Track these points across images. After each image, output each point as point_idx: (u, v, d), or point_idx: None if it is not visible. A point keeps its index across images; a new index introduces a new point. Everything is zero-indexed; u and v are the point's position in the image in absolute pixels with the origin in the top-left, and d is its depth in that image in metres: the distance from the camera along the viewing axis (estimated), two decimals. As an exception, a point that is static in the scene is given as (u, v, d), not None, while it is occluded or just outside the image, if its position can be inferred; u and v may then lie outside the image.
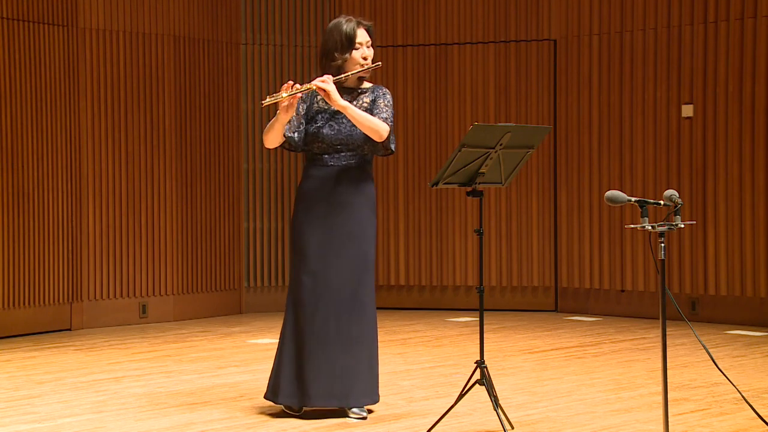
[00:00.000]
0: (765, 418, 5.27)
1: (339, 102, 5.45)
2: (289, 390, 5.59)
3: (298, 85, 5.48)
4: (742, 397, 5.36)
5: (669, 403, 4.82)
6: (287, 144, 5.61)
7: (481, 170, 5.29)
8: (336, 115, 5.60)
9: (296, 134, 5.59)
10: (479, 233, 5.34)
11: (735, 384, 5.53)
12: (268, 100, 5.42)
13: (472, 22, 10.33)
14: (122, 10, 9.46)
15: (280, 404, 5.65)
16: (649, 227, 4.64)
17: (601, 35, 9.87)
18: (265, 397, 5.71)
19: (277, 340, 5.72)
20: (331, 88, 5.43)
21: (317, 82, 5.44)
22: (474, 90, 10.32)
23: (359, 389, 5.58)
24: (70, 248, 9.17)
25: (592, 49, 9.91)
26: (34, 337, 8.74)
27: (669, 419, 4.73)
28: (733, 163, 9.14)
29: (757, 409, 5.31)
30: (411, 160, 10.47)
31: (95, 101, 9.34)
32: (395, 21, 10.52)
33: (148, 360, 7.65)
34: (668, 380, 4.78)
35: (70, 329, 9.18)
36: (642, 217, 4.67)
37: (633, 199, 4.75)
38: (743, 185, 9.10)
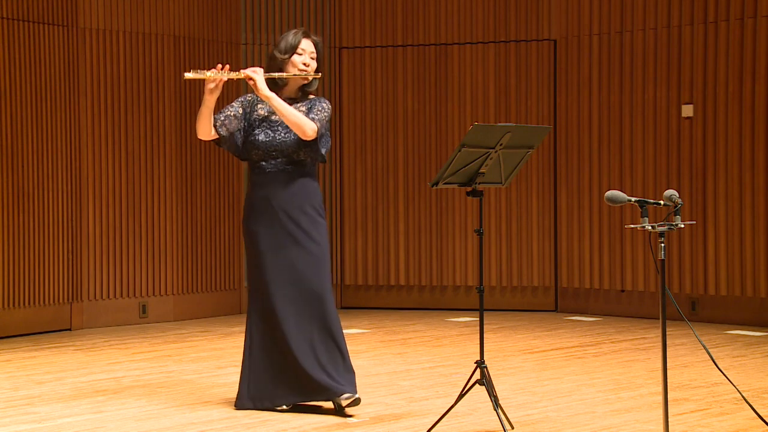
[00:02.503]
0: (765, 418, 5.27)
1: (264, 91, 5.57)
2: (268, 393, 5.71)
3: (228, 68, 5.59)
4: (742, 397, 5.36)
5: (669, 403, 4.82)
6: (221, 142, 5.72)
7: (481, 170, 5.29)
8: (272, 123, 5.72)
9: (223, 129, 5.68)
10: (479, 233, 5.34)
11: (735, 384, 5.54)
12: (191, 74, 5.50)
13: (472, 22, 10.33)
14: (122, 10, 9.46)
15: (260, 409, 5.70)
16: (649, 227, 4.64)
17: (601, 35, 9.87)
18: (239, 408, 5.76)
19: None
20: (258, 78, 5.56)
21: (247, 71, 5.58)
22: (474, 90, 10.32)
23: (340, 379, 5.65)
24: (70, 248, 9.17)
25: (592, 49, 9.91)
26: (34, 337, 8.74)
27: (669, 419, 4.73)
28: (733, 163, 9.14)
29: (757, 409, 5.31)
30: (411, 160, 10.47)
31: (95, 101, 9.34)
32: (395, 21, 10.52)
33: (148, 360, 7.65)
34: (668, 380, 4.78)
35: (70, 329, 9.18)
36: (642, 217, 4.67)
37: (633, 199, 4.75)
38: (743, 185, 9.10)
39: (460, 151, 5.16)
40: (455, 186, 5.35)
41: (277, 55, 5.71)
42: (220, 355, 7.85)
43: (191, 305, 9.87)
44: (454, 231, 10.36)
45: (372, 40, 10.54)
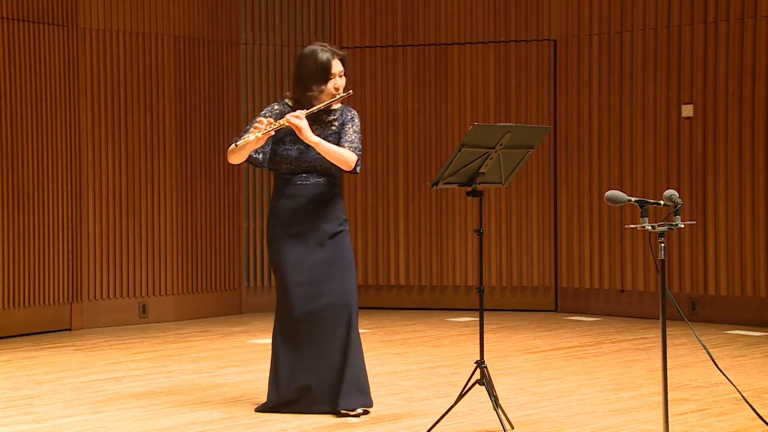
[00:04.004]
0: (765, 418, 5.27)
1: (311, 138, 5.55)
2: (293, 399, 5.69)
3: (272, 120, 5.58)
4: (742, 397, 5.36)
5: (669, 403, 4.82)
6: (250, 161, 5.71)
7: (481, 170, 5.29)
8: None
9: (260, 155, 5.70)
10: (479, 233, 5.34)
11: (735, 384, 5.54)
12: (242, 140, 5.51)
13: (472, 22, 10.33)
14: (122, 10, 9.46)
15: (286, 413, 5.69)
16: (649, 227, 4.64)
17: (601, 35, 9.87)
18: (260, 410, 5.76)
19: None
20: (304, 125, 5.53)
21: (290, 118, 5.53)
22: (474, 90, 10.32)
23: (359, 391, 5.65)
24: (70, 248, 9.17)
25: (592, 49, 9.91)
26: (34, 337, 8.74)
27: (669, 419, 4.73)
28: (733, 163, 9.14)
29: (757, 409, 5.31)
30: (411, 160, 10.47)
31: (95, 101, 9.34)
32: (395, 21, 10.52)
33: (148, 360, 7.65)
34: (668, 380, 4.78)
35: (70, 329, 9.18)
36: (642, 217, 4.68)
37: (633, 199, 4.75)
38: (743, 185, 9.10)
39: (460, 151, 5.16)
40: (455, 186, 5.35)
41: (314, 88, 5.64)
42: (220, 355, 7.85)
43: (191, 305, 9.87)
44: (454, 231, 10.36)
45: (372, 40, 10.54)
